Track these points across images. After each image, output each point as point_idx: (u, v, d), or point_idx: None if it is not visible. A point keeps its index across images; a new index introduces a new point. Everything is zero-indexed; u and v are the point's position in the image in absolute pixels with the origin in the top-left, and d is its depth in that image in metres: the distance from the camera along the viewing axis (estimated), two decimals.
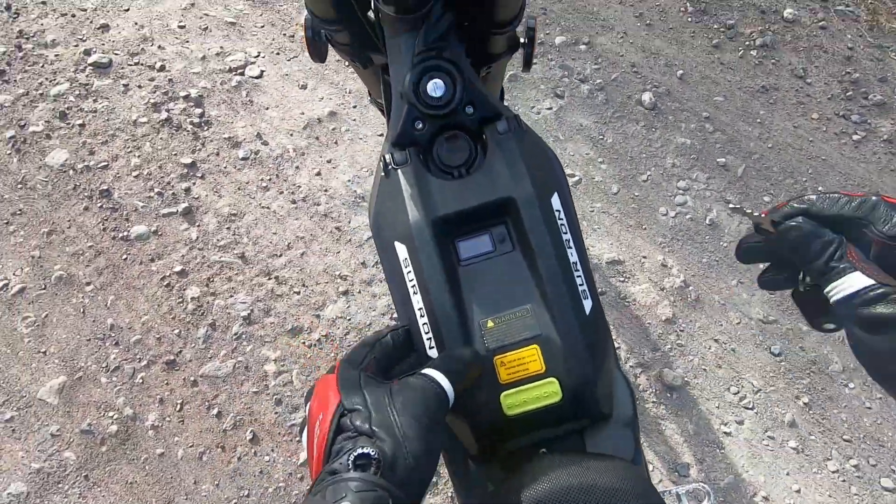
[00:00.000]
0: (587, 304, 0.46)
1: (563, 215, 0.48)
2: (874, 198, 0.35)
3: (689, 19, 2.03)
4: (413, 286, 0.47)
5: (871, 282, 0.33)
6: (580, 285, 0.47)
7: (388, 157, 0.50)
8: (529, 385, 0.44)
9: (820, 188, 1.75)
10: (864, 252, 0.35)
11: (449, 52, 0.51)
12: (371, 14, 0.57)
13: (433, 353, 0.46)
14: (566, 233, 0.48)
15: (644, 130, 1.81)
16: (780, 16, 2.05)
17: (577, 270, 0.47)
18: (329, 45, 0.64)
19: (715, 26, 2.02)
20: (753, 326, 1.54)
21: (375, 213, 0.50)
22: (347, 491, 0.32)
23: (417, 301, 0.47)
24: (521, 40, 0.64)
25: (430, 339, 0.46)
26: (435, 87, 0.49)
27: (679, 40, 1.99)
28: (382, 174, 0.50)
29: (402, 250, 0.48)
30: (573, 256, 0.47)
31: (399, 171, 0.49)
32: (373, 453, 0.34)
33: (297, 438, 1.28)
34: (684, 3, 2.05)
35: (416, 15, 0.48)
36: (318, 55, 0.65)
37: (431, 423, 0.37)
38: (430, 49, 0.50)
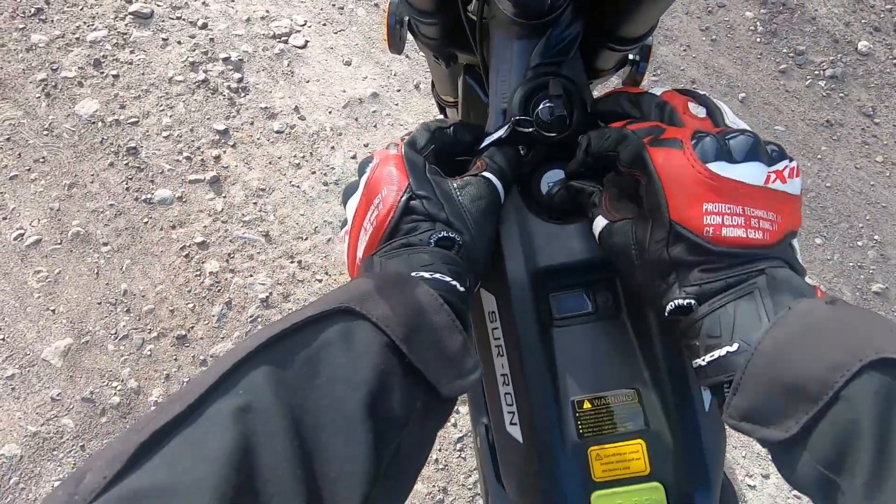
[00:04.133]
0: (706, 397, 0.39)
1: None
2: (625, 130, 0.37)
3: (758, 40, 1.92)
4: (498, 346, 0.39)
5: (605, 221, 0.37)
6: None
7: None
8: (628, 487, 0.36)
9: (876, 237, 1.66)
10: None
11: (567, 68, 0.43)
12: (471, 9, 0.49)
13: (514, 430, 0.39)
14: None
15: None
16: (853, 47, 1.94)
17: None
18: (411, 36, 0.56)
19: (784, 50, 1.91)
20: None
21: None
22: (435, 259, 0.33)
23: (502, 365, 0.39)
24: (631, 56, 0.56)
25: (512, 412, 0.39)
26: (550, 112, 0.40)
27: (744, 61, 1.88)
28: None
29: (489, 301, 0.41)
30: None
31: None
32: (457, 238, 0.35)
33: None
34: (754, 23, 1.93)
35: (542, 21, 0.40)
36: (397, 46, 0.57)
37: (493, 222, 0.39)
38: (549, 63, 0.42)
